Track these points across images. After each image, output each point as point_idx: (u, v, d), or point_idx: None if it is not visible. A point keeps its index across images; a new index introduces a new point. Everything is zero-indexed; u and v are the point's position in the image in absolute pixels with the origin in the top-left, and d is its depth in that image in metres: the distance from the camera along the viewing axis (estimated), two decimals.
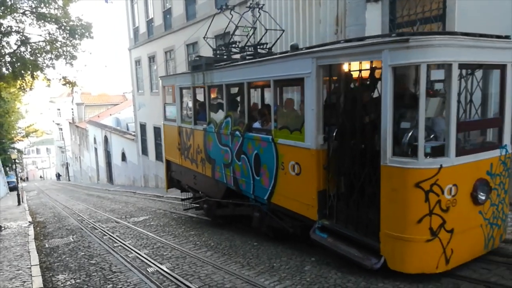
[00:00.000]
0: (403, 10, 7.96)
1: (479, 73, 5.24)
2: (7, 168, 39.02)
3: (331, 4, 9.72)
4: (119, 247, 8.33)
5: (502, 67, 4.92)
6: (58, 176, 54.29)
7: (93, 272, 6.71)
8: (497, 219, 5.06)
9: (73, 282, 6.31)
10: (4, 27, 11.66)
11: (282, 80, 6.58)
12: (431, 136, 4.76)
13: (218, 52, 9.20)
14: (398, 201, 4.57)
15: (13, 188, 31.73)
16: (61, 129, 55.33)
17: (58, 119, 56.61)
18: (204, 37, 9.92)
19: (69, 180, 48.73)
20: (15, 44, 12.04)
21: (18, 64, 11.89)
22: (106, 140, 30.86)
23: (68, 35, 12.03)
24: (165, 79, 11.56)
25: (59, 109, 57.39)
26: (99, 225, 11.36)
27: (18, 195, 21.82)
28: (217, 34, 14.58)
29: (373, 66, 4.84)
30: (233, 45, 8.99)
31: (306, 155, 5.69)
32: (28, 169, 69.29)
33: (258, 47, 8.66)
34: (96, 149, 34.26)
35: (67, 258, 7.82)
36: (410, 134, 4.61)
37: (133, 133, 25.72)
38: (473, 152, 4.84)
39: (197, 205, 10.34)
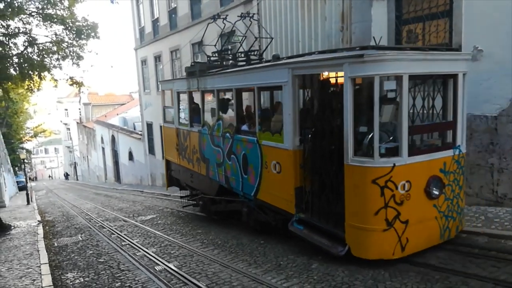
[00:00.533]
0: (410, 6, 7.89)
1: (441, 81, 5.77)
2: (16, 168, 39.40)
3: (336, 1, 9.67)
4: (127, 245, 8.39)
5: (454, 77, 5.50)
6: (66, 175, 54.77)
7: (102, 270, 6.77)
8: (452, 212, 5.59)
9: (82, 280, 6.37)
10: (11, 29, 11.76)
11: (265, 87, 7.21)
12: (391, 138, 5.25)
13: (211, 58, 9.71)
14: (358, 195, 5.15)
15: (22, 187, 32.05)
16: (68, 129, 55.77)
17: (65, 119, 57.06)
18: (200, 45, 10.33)
19: (77, 179, 49.12)
20: (23, 45, 12.14)
21: (26, 65, 11.98)
22: (113, 139, 31.05)
23: (74, 35, 12.08)
24: (164, 84, 12.23)
25: (66, 109, 57.86)
26: (107, 224, 11.45)
27: (27, 194, 22.05)
28: (223, 34, 14.58)
29: (338, 76, 5.43)
30: (225, 52, 9.70)
31: (285, 155, 6.28)
32: (37, 168, 69.97)
33: (250, 53, 9.26)
34: (103, 148, 34.48)
35: (76, 257, 7.90)
36: (369, 137, 5.10)
37: (140, 133, 25.84)
38: (426, 152, 5.37)
39: (194, 202, 10.90)
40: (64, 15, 11.80)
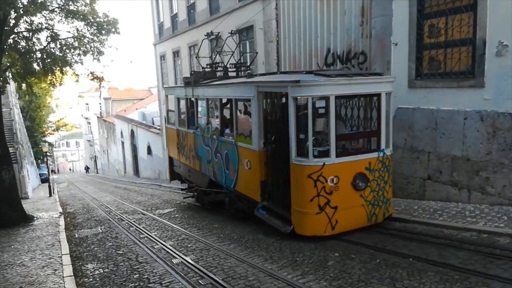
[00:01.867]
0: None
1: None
2: (39, 161, 40.45)
3: None
4: (145, 238, 8.53)
5: (378, 95, 6.85)
6: (87, 169, 55.94)
7: (121, 262, 6.90)
8: (378, 201, 6.86)
9: (102, 271, 6.51)
10: (35, 24, 12.01)
11: (240, 99, 8.52)
12: (327, 143, 6.56)
13: (206, 69, 11.18)
14: (298, 187, 6.55)
15: (44, 180, 32.93)
16: (89, 123, 56.87)
17: (86, 114, 58.18)
18: (196, 56, 12.38)
19: (97, 172, 50.12)
20: (46, 40, 12.34)
21: (49, 60, 12.20)
22: (132, 134, 31.50)
23: (95, 31, 12.24)
24: (167, 90, 13.87)
25: (87, 104, 58.98)
26: (126, 216, 11.66)
27: (49, 186, 22.64)
28: (241, 28, 14.57)
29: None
30: (217, 64, 11.16)
31: (253, 155, 7.63)
32: (58, 161, 71.63)
33: (238, 66, 10.76)
34: (123, 142, 35.04)
35: (96, 248, 8.07)
36: (307, 142, 6.40)
37: (158, 127, 26.13)
38: (353, 154, 6.81)
39: (191, 193, 12.43)
40: (86, 11, 11.95)
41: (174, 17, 21.84)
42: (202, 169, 10.40)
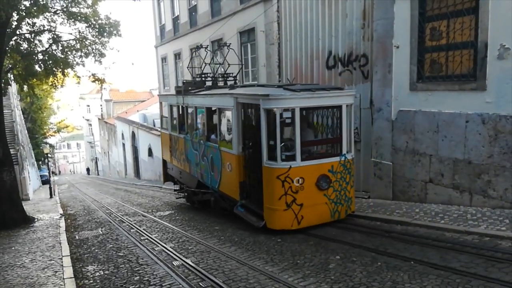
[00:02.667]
0: (434, 2, 7.69)
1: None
2: (40, 162, 40.48)
3: None
4: (146, 240, 8.51)
5: (339, 107, 7.64)
6: (88, 170, 55.97)
7: (121, 264, 6.88)
8: (340, 200, 7.67)
9: (102, 273, 6.49)
10: (37, 26, 12.04)
11: (223, 108, 9.09)
12: (294, 149, 7.29)
13: (196, 79, 11.93)
14: (269, 186, 7.33)
15: (45, 181, 32.95)
16: (90, 124, 56.96)
17: (87, 115, 58.29)
18: (187, 67, 13.49)
19: (98, 174, 50.13)
20: (47, 42, 12.37)
21: (50, 61, 12.22)
22: (133, 135, 31.52)
23: (97, 33, 12.26)
24: (161, 97, 14.87)
25: (88, 106, 59.12)
26: (126, 218, 11.64)
27: (50, 188, 22.64)
28: (242, 31, 14.59)
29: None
30: (206, 74, 11.94)
31: (233, 158, 8.36)
32: (59, 163, 71.71)
33: (225, 76, 11.61)
34: (124, 144, 35.05)
35: (96, 250, 8.06)
36: (279, 148, 7.20)
37: (159, 129, 26.12)
38: (317, 158, 7.63)
39: (182, 194, 13.24)
40: (87, 13, 11.99)
41: (175, 20, 21.90)
42: (191, 171, 11.20)
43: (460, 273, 4.79)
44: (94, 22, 12.00)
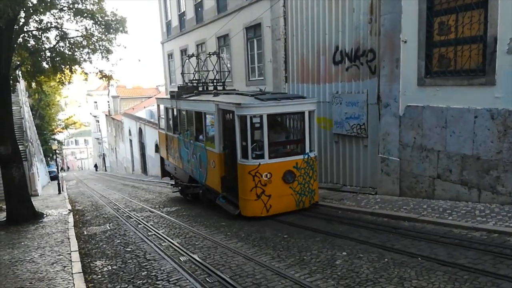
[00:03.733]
0: None
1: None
2: (48, 159, 40.84)
3: None
4: (153, 235, 8.57)
5: (303, 113, 8.93)
6: (96, 166, 56.39)
7: (129, 259, 6.94)
8: (304, 191, 8.91)
9: (110, 268, 6.56)
10: (44, 23, 12.10)
11: (207, 113, 10.25)
12: (263, 149, 8.54)
13: (188, 84, 13.24)
14: (242, 180, 8.64)
15: (54, 177, 33.26)
16: (98, 121, 57.32)
17: (95, 112, 58.66)
18: (181, 73, 15.36)
19: (105, 170, 50.48)
20: (55, 39, 12.43)
21: (58, 58, 12.28)
22: (140, 132, 31.67)
23: (103, 30, 12.28)
24: (158, 100, 15.83)
25: (96, 102, 59.49)
26: (134, 214, 11.73)
27: (58, 184, 22.85)
28: (248, 26, 14.54)
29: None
30: (197, 80, 13.37)
31: (216, 156, 9.64)
32: (67, 159, 72.32)
33: (215, 82, 12.85)
34: (131, 140, 35.24)
35: (104, 245, 8.13)
36: (250, 148, 8.46)
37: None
38: (283, 156, 8.92)
39: (176, 187, 14.49)
40: (94, 9, 12.01)
41: (181, 16, 21.88)
42: (184, 167, 12.48)
43: (468, 270, 4.76)
44: (101, 19, 12.02)
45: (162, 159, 15.73)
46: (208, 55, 13.82)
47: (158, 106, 15.49)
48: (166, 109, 14.05)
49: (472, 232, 6.07)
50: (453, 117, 7.53)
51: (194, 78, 13.48)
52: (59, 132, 46.79)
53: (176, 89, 13.69)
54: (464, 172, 7.45)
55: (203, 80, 13.28)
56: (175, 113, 13.04)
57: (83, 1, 12.02)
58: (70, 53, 12.51)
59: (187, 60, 14.32)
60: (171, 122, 13.64)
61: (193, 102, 11.23)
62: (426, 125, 8.11)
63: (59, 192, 21.76)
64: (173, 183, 14.99)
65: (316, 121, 10.44)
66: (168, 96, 13.98)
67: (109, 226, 10.15)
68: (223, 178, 9.53)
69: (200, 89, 12.89)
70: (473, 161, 7.25)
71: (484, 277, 4.53)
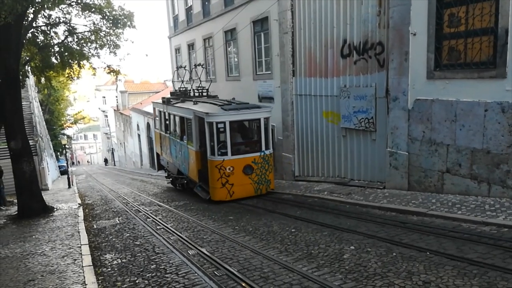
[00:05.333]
0: None
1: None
2: (58, 153, 41.25)
3: None
4: (162, 229, 8.64)
5: (259, 120, 11.17)
6: (106, 161, 56.84)
7: (138, 252, 7.02)
8: (261, 181, 11.18)
9: (119, 261, 6.63)
10: (52, 18, 12.17)
11: (188, 118, 12.38)
12: (226, 148, 10.75)
13: (177, 92, 16.05)
14: (211, 173, 10.87)
15: (63, 172, 33.59)
16: (106, 116, 57.67)
17: (103, 107, 58.99)
18: (172, 81, 18.46)
19: (114, 165, 50.87)
20: (63, 34, 12.51)
21: (66, 53, 12.37)
22: (148, 126, 31.79)
23: (111, 24, 12.31)
24: (154, 104, 18.47)
25: (104, 97, 59.78)
26: (142, 208, 11.83)
27: (68, 178, 23.10)
28: (255, 20, 14.48)
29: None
30: (184, 88, 16.10)
31: (194, 153, 11.90)
32: (77, 154, 72.97)
33: (200, 90, 15.59)
34: (139, 135, 35.42)
35: (114, 239, 8.22)
36: (216, 147, 10.70)
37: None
38: (243, 153, 11.05)
39: (169, 179, 16.72)
40: (102, 4, 12.04)
41: (188, 10, 21.83)
42: (173, 162, 14.96)
43: (477, 264, 4.73)
44: (108, 14, 12.05)
45: (158, 154, 18.82)
46: (194, 66, 16.92)
47: (154, 109, 18.25)
48: (160, 112, 16.58)
49: (482, 226, 6.01)
50: (463, 111, 7.44)
51: (182, 87, 16.24)
52: (68, 127, 47.18)
53: (169, 95, 16.80)
54: (474, 166, 7.38)
55: (189, 88, 15.95)
56: (166, 116, 15.44)
57: None
58: (78, 48, 12.59)
59: (176, 70, 18.54)
60: (163, 123, 16.08)
61: (179, 108, 13.43)
62: (435, 119, 8.03)
63: (69, 187, 22.00)
64: (166, 175, 17.46)
65: (323, 115, 11.93)
66: (161, 101, 16.42)
67: (119, 220, 10.25)
68: (199, 171, 11.80)
69: (192, 94, 15.61)
70: (483, 155, 7.18)
71: (494, 271, 4.50)
